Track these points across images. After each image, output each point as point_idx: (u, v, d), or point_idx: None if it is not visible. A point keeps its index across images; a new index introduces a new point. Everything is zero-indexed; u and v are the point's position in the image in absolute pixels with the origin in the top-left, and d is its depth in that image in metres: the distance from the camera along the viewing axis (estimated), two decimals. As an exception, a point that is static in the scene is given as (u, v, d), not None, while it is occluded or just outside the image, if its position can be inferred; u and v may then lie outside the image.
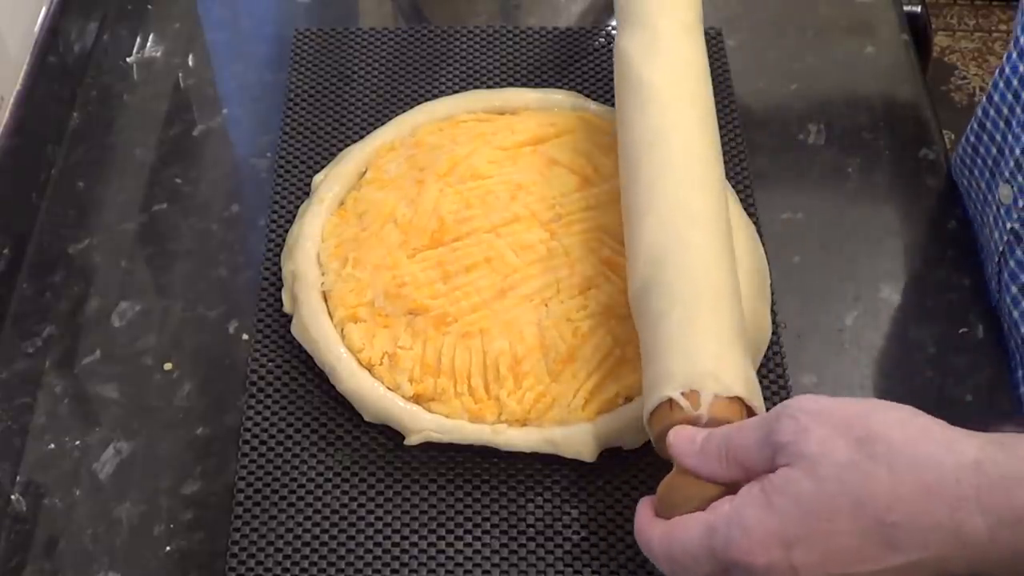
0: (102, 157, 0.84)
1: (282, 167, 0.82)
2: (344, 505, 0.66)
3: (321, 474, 0.67)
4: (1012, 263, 0.72)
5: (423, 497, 0.66)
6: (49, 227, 0.80)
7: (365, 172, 0.79)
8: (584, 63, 0.88)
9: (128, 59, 0.91)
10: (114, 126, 0.86)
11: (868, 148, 0.84)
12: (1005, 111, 0.74)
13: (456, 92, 0.85)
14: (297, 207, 0.79)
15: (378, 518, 0.65)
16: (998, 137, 0.75)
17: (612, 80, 0.76)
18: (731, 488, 0.53)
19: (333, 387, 0.69)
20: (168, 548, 0.65)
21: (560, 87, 0.86)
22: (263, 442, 0.68)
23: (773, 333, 0.73)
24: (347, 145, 0.82)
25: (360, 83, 0.87)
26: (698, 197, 0.66)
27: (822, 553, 0.49)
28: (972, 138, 0.78)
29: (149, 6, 0.95)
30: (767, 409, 0.70)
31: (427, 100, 0.84)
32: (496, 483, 0.67)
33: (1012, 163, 0.72)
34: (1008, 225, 0.72)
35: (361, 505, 0.66)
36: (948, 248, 0.79)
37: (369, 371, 0.69)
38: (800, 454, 0.50)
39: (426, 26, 0.92)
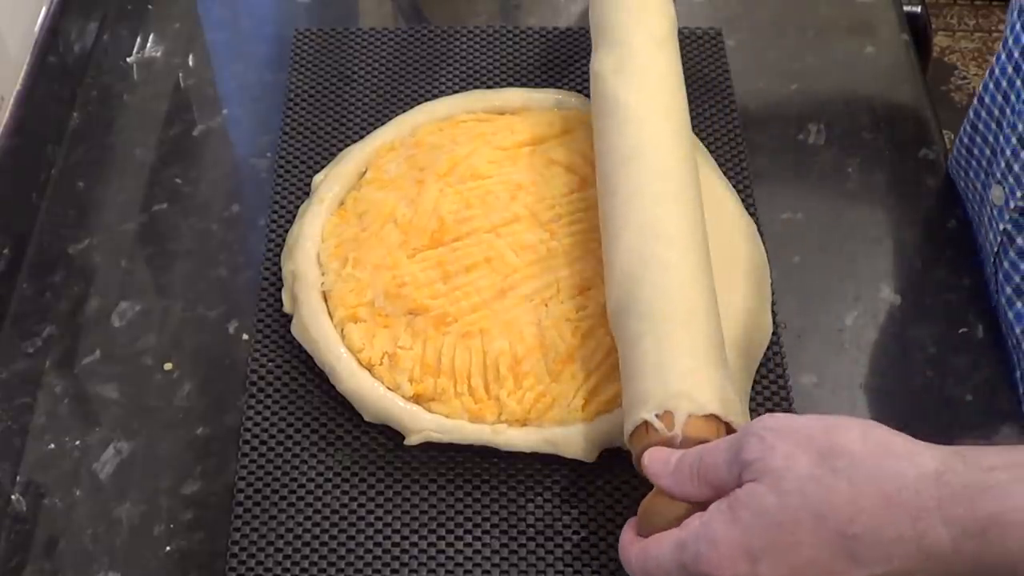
0: (102, 157, 0.84)
1: (282, 167, 0.82)
2: (344, 505, 0.66)
3: (321, 474, 0.67)
4: (1006, 264, 0.72)
5: (423, 497, 0.66)
6: (49, 227, 0.80)
7: (365, 172, 0.79)
8: (584, 63, 0.88)
9: (128, 59, 0.91)
10: (114, 126, 0.86)
11: (868, 148, 0.84)
12: (996, 112, 0.74)
13: (456, 92, 0.85)
14: (297, 207, 0.79)
15: (378, 518, 0.65)
16: (990, 138, 0.75)
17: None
18: (704, 507, 0.53)
19: (333, 387, 0.69)
20: (168, 548, 0.65)
21: (560, 87, 0.86)
22: (263, 442, 0.68)
23: (773, 333, 0.73)
24: (347, 145, 0.82)
25: (360, 83, 0.87)
26: (672, 214, 0.66)
27: (787, 566, 0.49)
28: (966, 139, 0.78)
29: (149, 6, 0.95)
30: (771, 410, 0.70)
31: (427, 100, 0.84)
32: (496, 483, 0.67)
33: (1003, 164, 0.72)
34: (1001, 226, 0.72)
35: (361, 505, 0.66)
36: (948, 248, 0.79)
37: (369, 371, 0.69)
38: (765, 469, 0.50)
39: (426, 26, 0.92)
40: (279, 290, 0.74)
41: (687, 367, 0.60)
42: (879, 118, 0.86)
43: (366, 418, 0.68)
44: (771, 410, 0.70)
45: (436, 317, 0.69)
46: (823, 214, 0.81)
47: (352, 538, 0.65)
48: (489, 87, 0.86)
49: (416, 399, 0.67)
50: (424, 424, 0.67)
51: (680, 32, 0.89)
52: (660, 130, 0.70)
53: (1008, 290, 0.72)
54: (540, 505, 0.66)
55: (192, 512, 0.66)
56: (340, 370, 0.69)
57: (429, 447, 0.67)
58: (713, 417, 0.58)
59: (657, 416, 0.58)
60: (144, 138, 0.85)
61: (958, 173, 0.80)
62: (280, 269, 0.75)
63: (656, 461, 0.56)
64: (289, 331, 0.72)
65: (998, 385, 0.72)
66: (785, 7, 0.95)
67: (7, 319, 0.75)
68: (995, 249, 0.73)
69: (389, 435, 0.68)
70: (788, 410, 0.70)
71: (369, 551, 0.64)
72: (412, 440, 0.67)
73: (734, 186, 0.79)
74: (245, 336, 0.74)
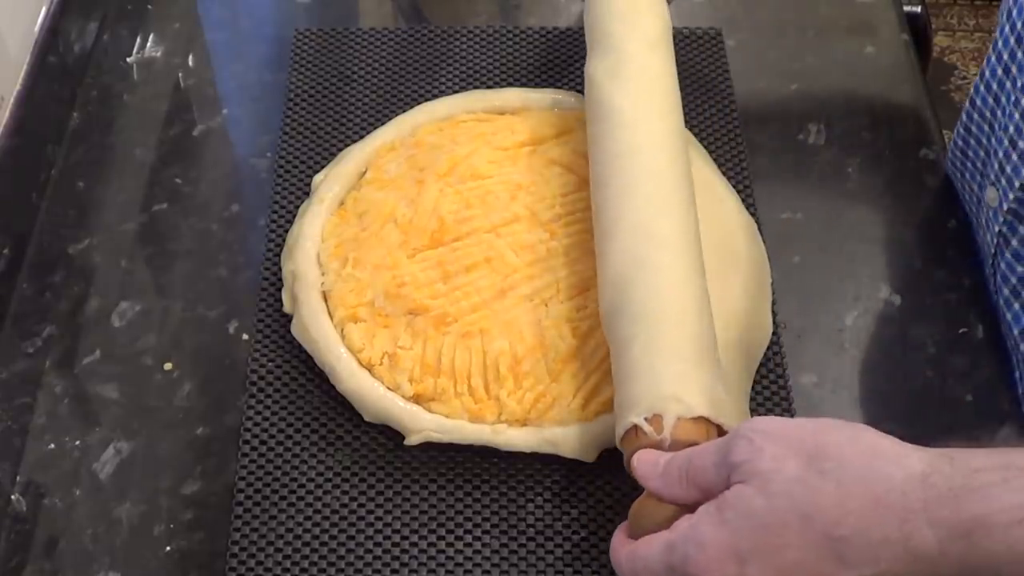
0: (102, 157, 0.84)
1: (282, 167, 0.82)
2: (344, 505, 0.66)
3: (321, 474, 0.67)
4: (1003, 265, 0.72)
5: (423, 497, 0.66)
6: (49, 227, 0.80)
7: (365, 172, 0.79)
8: (584, 63, 0.88)
9: (128, 59, 0.91)
10: (114, 126, 0.86)
11: (868, 148, 0.84)
12: (987, 114, 0.74)
13: (456, 92, 0.85)
14: (297, 207, 0.79)
15: (378, 518, 0.65)
16: (984, 140, 0.75)
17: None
18: (694, 509, 0.53)
19: (333, 387, 0.69)
20: (168, 548, 0.65)
21: (560, 87, 0.86)
22: (263, 442, 0.68)
23: (773, 333, 0.73)
24: (347, 145, 0.82)
25: (360, 83, 0.87)
26: (664, 215, 0.66)
27: (775, 568, 0.49)
28: (960, 142, 0.78)
29: (149, 6, 0.95)
30: (771, 410, 0.70)
31: (427, 100, 0.84)
32: (496, 483, 0.67)
33: (996, 165, 0.72)
34: (996, 227, 0.72)
35: (361, 505, 0.66)
36: (948, 248, 0.79)
37: (369, 371, 0.69)
38: (753, 472, 0.50)
39: (426, 26, 0.92)
40: (279, 290, 0.74)
41: (676, 370, 0.60)
42: (879, 118, 0.86)
43: (366, 418, 0.68)
44: (771, 410, 0.70)
45: (436, 317, 0.69)
46: (823, 214, 0.81)
47: (352, 538, 0.65)
48: (489, 87, 0.86)
49: (416, 399, 0.67)
50: (424, 424, 0.67)
51: (680, 32, 0.89)
52: (653, 132, 0.70)
53: (1006, 291, 0.73)
54: (540, 505, 0.66)
55: (192, 512, 0.66)
56: (340, 370, 0.69)
57: (429, 447, 0.67)
58: (703, 419, 0.58)
59: (646, 419, 0.58)
60: (144, 138, 0.85)
61: (954, 174, 0.81)
62: (280, 269, 0.75)
63: (645, 464, 0.56)
64: (289, 331, 0.72)
65: (998, 385, 0.72)
66: (785, 7, 0.95)
67: (7, 319, 0.75)
68: (992, 250, 0.73)
69: (389, 435, 0.68)
70: (788, 410, 0.70)
71: (369, 551, 0.64)
72: (412, 440, 0.67)
73: (734, 186, 0.79)
74: (245, 336, 0.74)
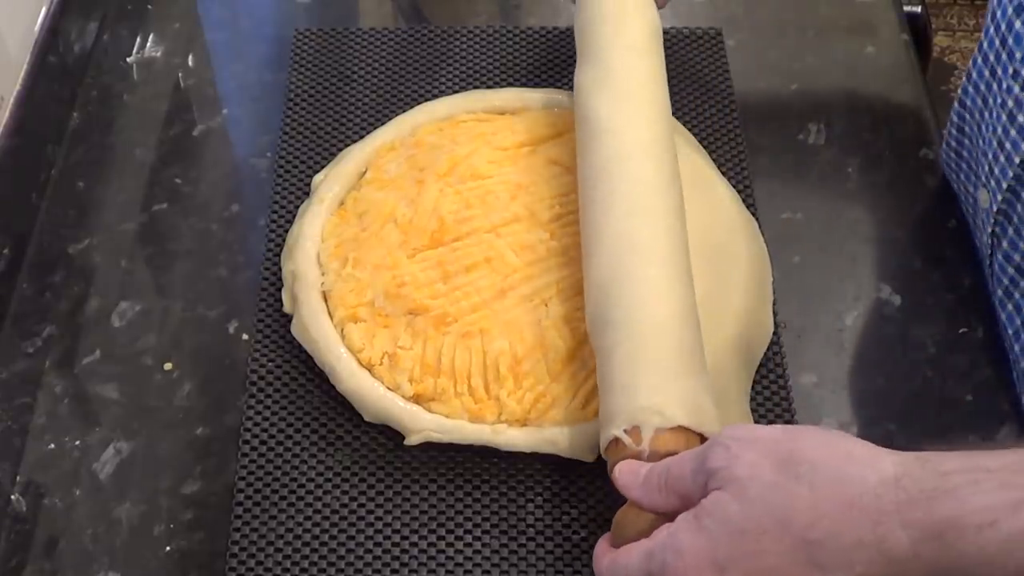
0: (102, 157, 0.84)
1: (282, 167, 0.82)
2: (344, 505, 0.66)
3: (321, 474, 0.67)
4: (996, 267, 0.72)
5: (423, 497, 0.66)
6: (49, 227, 0.80)
7: (365, 172, 0.79)
8: (584, 63, 0.88)
9: (128, 59, 0.91)
10: (114, 126, 0.86)
11: (868, 148, 0.84)
12: (976, 115, 0.74)
13: (456, 92, 0.85)
14: (297, 207, 0.79)
15: (378, 518, 0.65)
16: (975, 141, 0.75)
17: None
18: (674, 518, 0.53)
19: (333, 387, 0.69)
20: (168, 548, 0.65)
21: (560, 87, 0.86)
22: (263, 442, 0.68)
23: (773, 333, 0.73)
24: (347, 145, 0.82)
25: (360, 83, 0.87)
26: (646, 227, 0.66)
27: (753, 573, 0.49)
28: (953, 143, 0.78)
29: (149, 6, 0.95)
30: (772, 410, 0.70)
31: (427, 100, 0.84)
32: (496, 483, 0.67)
33: (986, 167, 0.72)
34: (989, 228, 0.72)
35: (361, 505, 0.66)
36: (948, 248, 0.79)
37: (369, 371, 0.69)
38: (730, 478, 0.51)
39: (426, 26, 0.92)
40: (279, 290, 0.74)
41: (655, 381, 0.60)
42: (879, 118, 0.86)
43: (366, 418, 0.68)
44: (771, 410, 0.70)
45: (436, 317, 0.69)
46: (823, 214, 0.81)
47: (352, 538, 0.65)
48: (489, 87, 0.86)
49: (416, 399, 0.67)
50: (424, 424, 0.67)
51: (680, 32, 0.90)
52: (637, 141, 0.70)
53: (999, 292, 0.73)
54: (540, 505, 0.66)
55: (192, 512, 0.66)
56: (340, 370, 0.69)
57: (429, 447, 0.67)
58: (682, 429, 0.59)
59: (626, 431, 0.59)
60: (144, 138, 0.85)
61: (950, 175, 0.81)
62: (280, 269, 0.75)
63: (626, 473, 0.57)
64: (289, 331, 0.72)
65: (998, 385, 0.72)
66: (785, 7, 0.95)
67: (7, 319, 0.75)
68: (988, 251, 0.73)
69: (389, 435, 0.68)
70: (788, 410, 0.70)
71: (369, 551, 0.64)
72: (412, 440, 0.67)
73: (734, 186, 0.79)
74: (245, 336, 0.74)
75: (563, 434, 0.66)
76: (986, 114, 0.72)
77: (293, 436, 0.69)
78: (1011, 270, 0.70)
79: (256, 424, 0.69)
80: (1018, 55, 0.67)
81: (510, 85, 0.87)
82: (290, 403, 0.70)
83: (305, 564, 0.64)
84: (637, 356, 0.61)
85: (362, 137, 0.82)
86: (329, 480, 0.67)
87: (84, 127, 0.86)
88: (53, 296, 0.76)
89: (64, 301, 0.76)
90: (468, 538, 0.65)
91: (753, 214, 0.78)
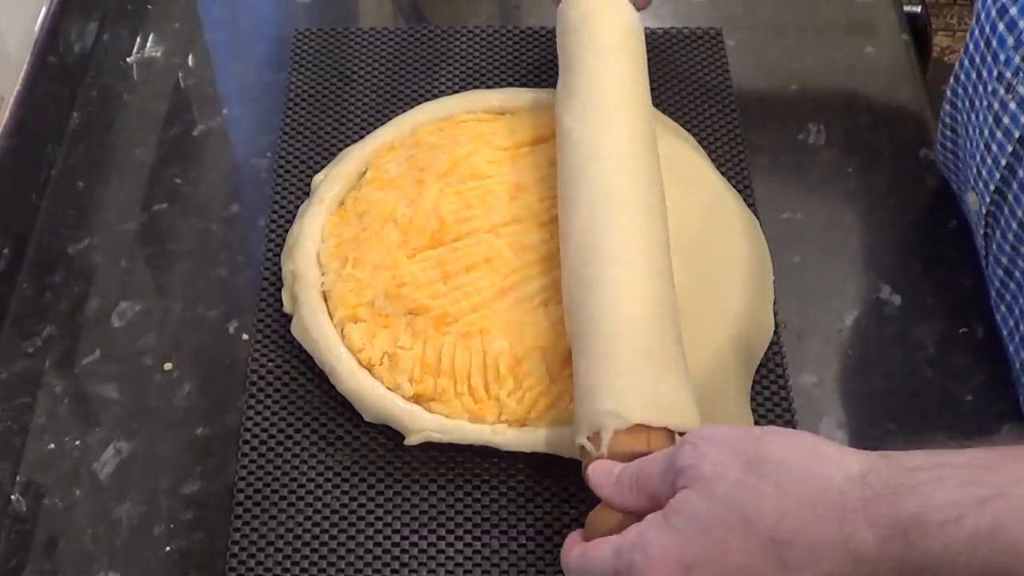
0: (102, 157, 0.84)
1: (282, 167, 0.82)
2: (344, 505, 0.66)
3: (321, 474, 0.67)
4: (989, 268, 0.72)
5: (423, 497, 0.66)
6: (49, 227, 0.80)
7: (365, 172, 0.79)
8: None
9: (128, 59, 0.91)
10: (114, 126, 0.86)
11: (868, 148, 0.84)
12: (963, 116, 0.74)
13: (456, 92, 0.85)
14: (297, 207, 0.79)
15: (378, 518, 0.65)
16: (964, 143, 0.75)
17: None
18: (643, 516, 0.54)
19: (333, 387, 0.69)
20: (168, 548, 0.65)
21: (560, 87, 0.86)
22: (263, 442, 0.68)
23: (773, 333, 0.73)
24: (347, 145, 0.82)
25: (360, 83, 0.87)
26: (611, 231, 0.66)
27: (720, 573, 0.49)
28: (949, 144, 0.78)
29: (149, 6, 0.95)
30: (772, 410, 0.70)
31: (427, 100, 0.84)
32: (496, 483, 0.67)
33: (974, 169, 0.71)
34: (981, 230, 0.72)
35: (361, 505, 0.66)
36: (948, 248, 0.78)
37: (369, 371, 0.69)
38: (697, 476, 0.51)
39: (426, 26, 0.92)
40: (279, 290, 0.74)
41: (611, 383, 0.60)
42: (879, 118, 0.86)
43: (366, 418, 0.68)
44: (771, 410, 0.70)
45: (436, 317, 0.69)
46: (823, 214, 0.81)
47: (352, 538, 0.65)
48: (489, 87, 0.86)
49: (416, 399, 0.67)
50: (424, 424, 0.67)
51: (680, 32, 0.90)
52: (603, 147, 0.70)
53: (992, 293, 0.73)
54: (540, 505, 0.66)
55: (192, 512, 0.66)
56: (340, 370, 0.69)
57: (429, 447, 0.67)
58: (640, 427, 0.58)
59: (588, 439, 0.59)
60: (144, 138, 0.85)
61: (949, 176, 0.80)
62: (280, 269, 0.75)
63: (598, 473, 0.57)
64: (289, 331, 0.72)
65: (998, 385, 0.72)
66: (785, 7, 0.95)
67: (7, 319, 0.75)
68: (983, 253, 0.73)
69: (389, 435, 0.68)
70: (788, 410, 0.70)
71: (369, 551, 0.64)
72: (412, 440, 0.67)
73: (734, 186, 0.79)
74: (245, 336, 0.74)
75: (563, 434, 0.66)
76: (972, 116, 0.72)
77: (293, 436, 0.69)
78: (1000, 272, 0.70)
79: (256, 424, 0.69)
80: (1002, 57, 0.67)
81: (510, 85, 0.87)
82: (290, 403, 0.70)
83: (305, 564, 0.64)
84: (597, 363, 0.61)
85: (362, 137, 0.82)
86: (329, 480, 0.67)
87: (84, 127, 0.86)
88: (53, 296, 0.76)
89: (64, 301, 0.76)
90: (468, 538, 0.65)
91: (753, 214, 0.78)
